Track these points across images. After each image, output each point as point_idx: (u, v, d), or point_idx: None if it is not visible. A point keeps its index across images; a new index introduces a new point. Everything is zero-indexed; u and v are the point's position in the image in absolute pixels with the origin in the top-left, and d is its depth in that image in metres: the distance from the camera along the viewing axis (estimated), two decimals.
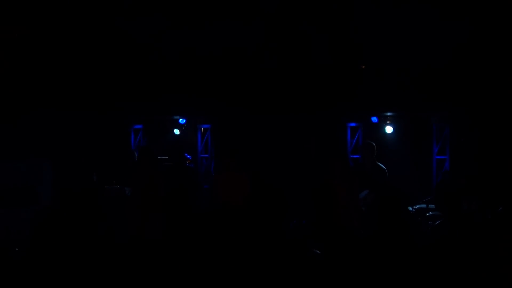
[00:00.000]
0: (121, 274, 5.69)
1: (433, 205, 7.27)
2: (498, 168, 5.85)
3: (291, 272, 2.44)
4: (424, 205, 7.02)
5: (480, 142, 5.88)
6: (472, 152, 6.48)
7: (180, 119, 9.28)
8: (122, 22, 4.37)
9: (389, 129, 8.81)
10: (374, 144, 7.31)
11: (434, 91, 6.29)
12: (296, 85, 6.76)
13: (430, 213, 6.89)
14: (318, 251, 2.53)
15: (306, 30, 4.60)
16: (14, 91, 7.52)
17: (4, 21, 4.08)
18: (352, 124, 8.81)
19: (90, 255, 3.85)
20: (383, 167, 7.35)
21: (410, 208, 6.97)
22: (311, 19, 4.18)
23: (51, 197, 8.05)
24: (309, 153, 9.71)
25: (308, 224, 4.28)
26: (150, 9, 3.86)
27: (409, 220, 3.94)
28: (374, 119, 8.65)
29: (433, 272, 3.56)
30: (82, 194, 4.38)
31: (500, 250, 3.86)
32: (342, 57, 5.85)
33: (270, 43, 5.06)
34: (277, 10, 3.84)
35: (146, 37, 4.60)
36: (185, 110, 7.30)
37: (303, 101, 6.81)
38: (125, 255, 3.56)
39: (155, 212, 6.68)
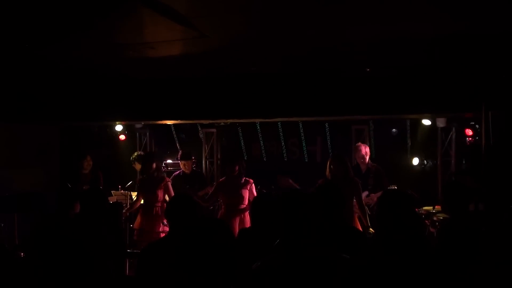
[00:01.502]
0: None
1: (440, 207, 7.28)
2: (506, 168, 5.82)
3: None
4: (430, 207, 7.03)
5: (486, 143, 5.85)
6: (479, 152, 6.44)
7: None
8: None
9: (394, 131, 8.83)
10: (364, 146, 7.46)
11: (438, 92, 6.27)
12: (301, 88, 6.76)
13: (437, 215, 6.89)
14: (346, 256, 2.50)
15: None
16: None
17: None
18: (357, 126, 8.81)
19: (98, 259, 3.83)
20: (378, 166, 7.48)
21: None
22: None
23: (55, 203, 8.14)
24: (315, 156, 9.74)
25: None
26: None
27: (418, 221, 3.92)
28: (379, 121, 8.66)
29: (442, 274, 3.54)
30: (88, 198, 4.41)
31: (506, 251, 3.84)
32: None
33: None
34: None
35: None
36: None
37: (309, 104, 6.81)
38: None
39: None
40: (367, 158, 7.43)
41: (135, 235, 6.93)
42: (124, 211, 7.14)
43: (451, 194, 4.28)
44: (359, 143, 7.78)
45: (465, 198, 4.28)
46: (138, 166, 9.04)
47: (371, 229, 5.89)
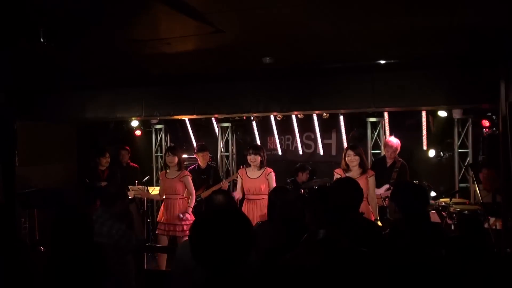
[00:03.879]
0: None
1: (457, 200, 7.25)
2: None
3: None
4: (447, 199, 7.00)
5: (503, 134, 5.79)
6: (496, 143, 6.39)
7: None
8: None
9: (410, 123, 8.79)
10: (397, 140, 7.40)
11: (455, 83, 6.22)
12: (315, 81, 6.76)
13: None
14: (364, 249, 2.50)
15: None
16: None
17: None
18: (373, 119, 8.78)
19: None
20: (404, 162, 7.44)
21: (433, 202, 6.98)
22: None
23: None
24: (330, 149, 9.73)
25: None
26: None
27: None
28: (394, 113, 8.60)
29: (459, 268, 3.54)
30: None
31: None
32: None
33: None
34: None
35: None
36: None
37: (323, 97, 6.80)
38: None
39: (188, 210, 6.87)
40: (397, 153, 7.39)
41: (157, 229, 7.08)
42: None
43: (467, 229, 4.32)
44: (391, 138, 7.64)
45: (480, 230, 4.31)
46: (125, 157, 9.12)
47: (379, 222, 5.92)
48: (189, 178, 7.05)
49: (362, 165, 6.21)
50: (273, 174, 6.70)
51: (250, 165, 6.74)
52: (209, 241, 2.11)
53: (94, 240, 3.20)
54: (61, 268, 2.93)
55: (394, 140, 7.43)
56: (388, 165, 7.39)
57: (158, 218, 7.15)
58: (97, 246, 3.06)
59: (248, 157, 6.72)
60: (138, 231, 4.45)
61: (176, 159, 6.98)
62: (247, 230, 2.18)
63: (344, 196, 3.94)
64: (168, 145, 10.27)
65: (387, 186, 7.10)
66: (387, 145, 7.44)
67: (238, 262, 2.12)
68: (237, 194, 6.77)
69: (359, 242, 2.75)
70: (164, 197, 7.11)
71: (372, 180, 6.19)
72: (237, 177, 6.96)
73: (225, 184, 7.52)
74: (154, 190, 7.96)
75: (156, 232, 7.11)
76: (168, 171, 7.04)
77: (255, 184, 6.63)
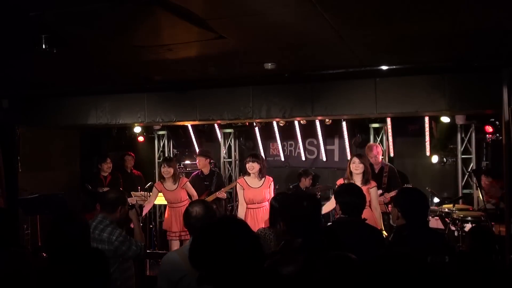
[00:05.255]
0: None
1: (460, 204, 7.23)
2: None
3: None
4: (450, 205, 6.97)
5: (507, 140, 5.77)
6: (499, 149, 6.36)
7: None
8: None
9: (413, 129, 8.76)
10: (375, 145, 7.53)
11: (457, 88, 6.20)
12: (319, 87, 6.75)
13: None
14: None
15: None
16: None
17: None
18: (375, 125, 8.77)
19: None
20: (392, 166, 7.53)
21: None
22: None
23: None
24: (333, 155, 9.70)
25: None
26: None
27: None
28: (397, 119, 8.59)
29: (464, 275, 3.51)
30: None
31: None
32: None
33: None
34: None
35: None
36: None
37: (325, 102, 6.79)
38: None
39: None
40: (379, 157, 7.49)
41: (168, 235, 7.14)
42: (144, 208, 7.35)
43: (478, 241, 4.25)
44: (371, 143, 7.87)
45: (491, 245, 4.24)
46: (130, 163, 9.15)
47: (384, 232, 5.89)
48: (189, 184, 7.09)
49: (365, 174, 6.20)
50: (272, 183, 6.71)
51: (249, 174, 6.70)
52: (212, 253, 2.06)
53: (95, 246, 3.18)
54: (56, 275, 2.91)
55: (374, 146, 7.60)
56: (376, 171, 7.44)
57: (165, 227, 7.18)
58: (97, 252, 3.03)
59: (247, 165, 6.68)
60: (139, 237, 4.41)
61: (172, 170, 7.00)
62: (248, 236, 2.14)
63: (347, 198, 3.95)
64: (171, 151, 10.28)
65: (379, 191, 7.12)
66: (368, 150, 7.57)
67: (245, 271, 2.08)
68: (241, 210, 6.67)
69: (362, 247, 2.73)
70: (148, 206, 7.27)
71: (374, 191, 6.18)
72: (233, 187, 6.97)
73: (221, 194, 7.51)
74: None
75: (168, 238, 7.13)
76: (165, 183, 7.04)
77: (259, 193, 6.60)
